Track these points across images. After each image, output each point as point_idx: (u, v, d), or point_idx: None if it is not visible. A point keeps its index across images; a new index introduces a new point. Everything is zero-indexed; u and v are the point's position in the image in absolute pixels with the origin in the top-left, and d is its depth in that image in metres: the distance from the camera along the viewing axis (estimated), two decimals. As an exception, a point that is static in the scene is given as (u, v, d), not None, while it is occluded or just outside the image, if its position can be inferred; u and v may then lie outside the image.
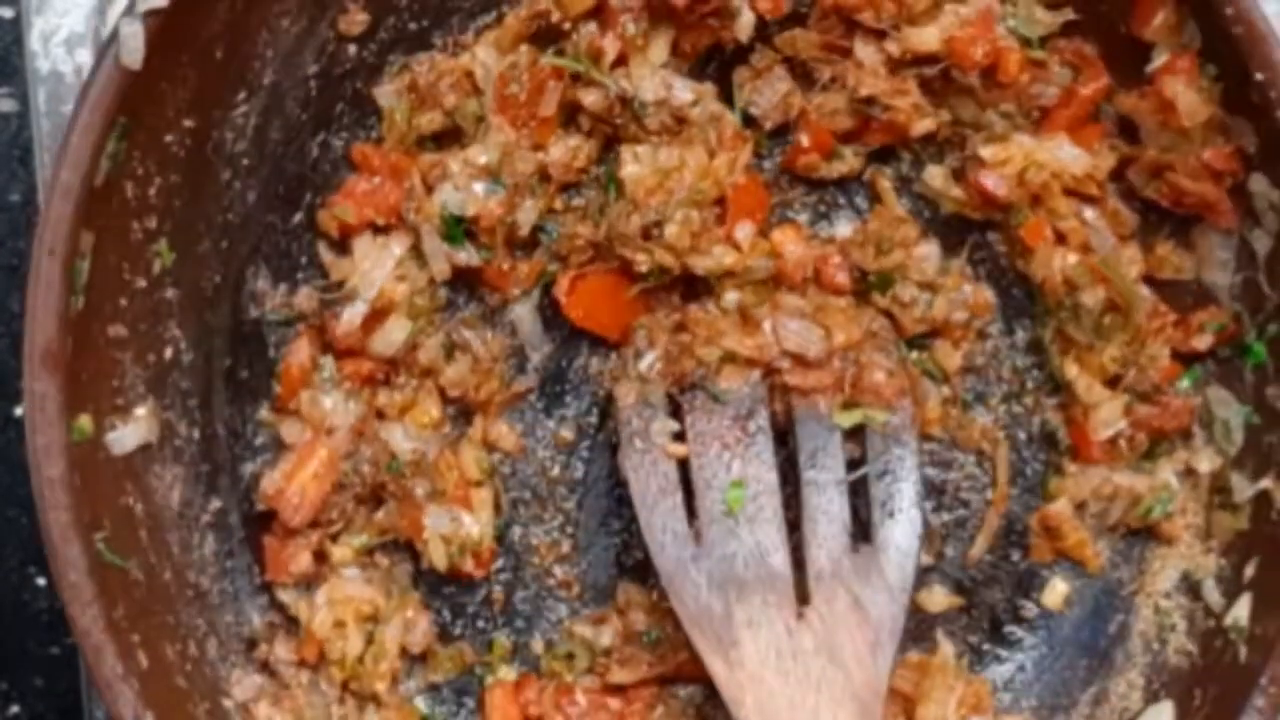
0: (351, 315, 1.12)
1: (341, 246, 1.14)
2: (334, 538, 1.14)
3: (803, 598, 1.09)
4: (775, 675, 1.06)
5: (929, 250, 1.15)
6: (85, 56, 1.18)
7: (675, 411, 1.12)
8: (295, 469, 1.12)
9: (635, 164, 1.11)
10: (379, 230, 1.13)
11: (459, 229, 1.12)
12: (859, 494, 1.12)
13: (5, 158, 1.29)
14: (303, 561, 1.12)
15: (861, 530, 1.11)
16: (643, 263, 1.11)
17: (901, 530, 1.10)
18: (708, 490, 1.10)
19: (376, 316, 1.12)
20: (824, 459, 1.11)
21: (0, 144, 1.28)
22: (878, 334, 1.13)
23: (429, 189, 1.12)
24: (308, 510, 1.12)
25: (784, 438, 1.12)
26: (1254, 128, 1.04)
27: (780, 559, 1.09)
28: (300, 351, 1.13)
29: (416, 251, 1.13)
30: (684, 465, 1.11)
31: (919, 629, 1.16)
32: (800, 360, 1.11)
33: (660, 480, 1.11)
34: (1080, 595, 1.17)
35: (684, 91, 1.11)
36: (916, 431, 1.13)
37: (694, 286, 1.14)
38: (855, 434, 1.12)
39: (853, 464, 1.12)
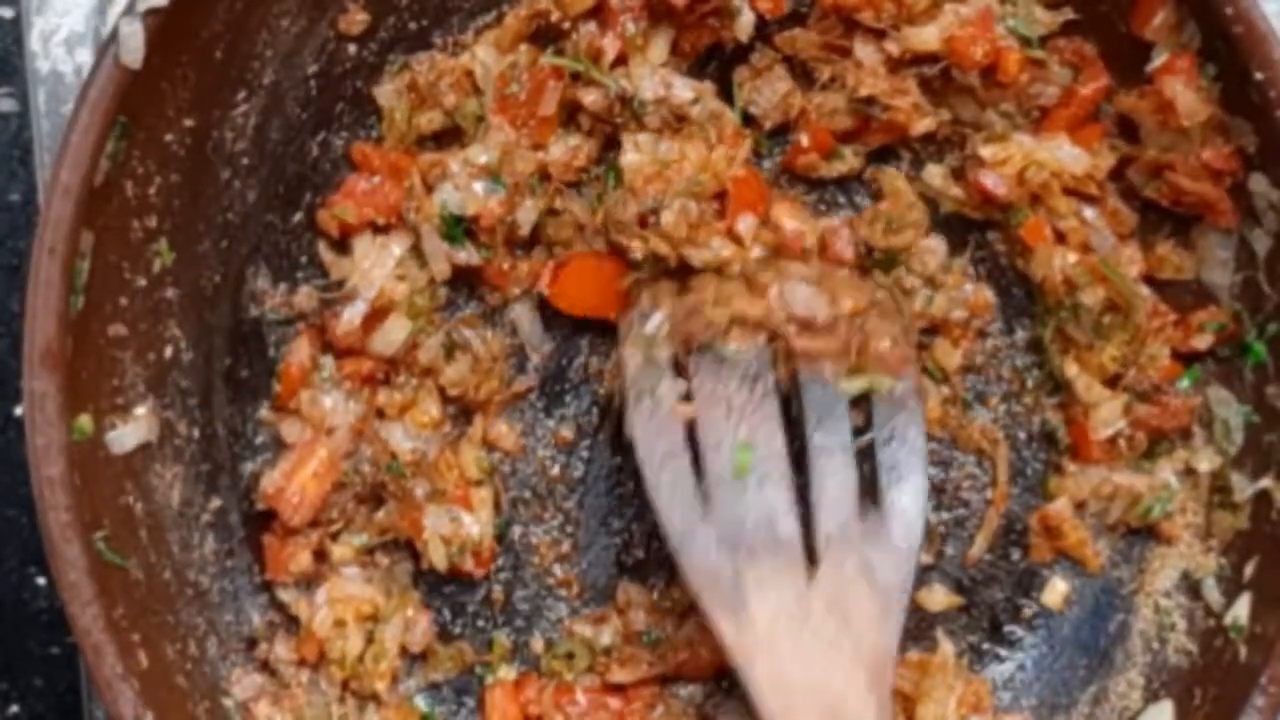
0: (351, 315, 1.12)
1: (341, 246, 1.14)
2: (334, 537, 1.14)
3: (811, 562, 1.08)
4: (785, 638, 1.04)
5: (936, 244, 1.15)
6: (85, 56, 1.18)
7: (680, 375, 1.11)
8: (295, 468, 1.12)
9: (635, 152, 1.11)
10: (379, 230, 1.13)
11: (459, 228, 1.12)
12: (865, 461, 1.11)
13: (5, 158, 1.28)
14: (303, 561, 1.12)
15: (869, 497, 1.10)
16: (637, 249, 1.10)
17: (909, 494, 1.09)
18: (715, 453, 1.08)
19: (376, 316, 1.12)
20: (830, 423, 1.09)
21: (0, 144, 1.28)
22: (882, 302, 1.12)
23: (429, 188, 1.12)
24: (308, 509, 1.12)
25: (789, 405, 1.12)
26: (1254, 128, 1.04)
27: (789, 522, 1.07)
28: (300, 351, 1.13)
29: (416, 251, 1.13)
30: (690, 430, 1.11)
31: (919, 628, 1.16)
32: (807, 325, 1.09)
33: (668, 442, 1.09)
34: (1080, 595, 1.17)
35: (684, 90, 1.11)
36: (922, 399, 1.12)
37: (688, 281, 1.14)
38: (860, 402, 1.11)
39: (858, 432, 1.11)
